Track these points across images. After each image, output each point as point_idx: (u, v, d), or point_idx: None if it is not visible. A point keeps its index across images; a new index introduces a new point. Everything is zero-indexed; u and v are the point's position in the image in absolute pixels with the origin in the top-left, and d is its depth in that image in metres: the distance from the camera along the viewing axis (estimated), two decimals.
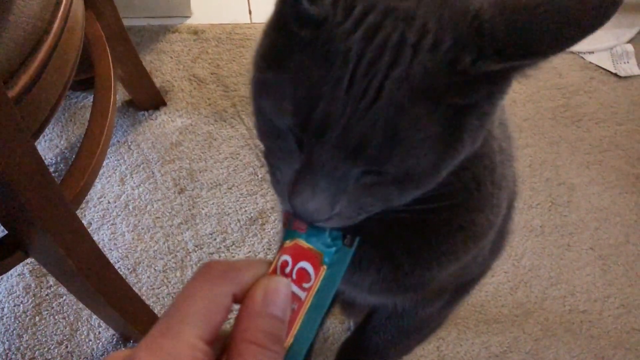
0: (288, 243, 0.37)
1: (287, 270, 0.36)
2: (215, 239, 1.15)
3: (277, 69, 0.36)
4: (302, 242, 0.37)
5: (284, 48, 0.36)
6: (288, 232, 0.38)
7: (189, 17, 1.53)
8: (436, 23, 0.34)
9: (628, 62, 1.56)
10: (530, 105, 1.45)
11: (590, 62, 1.56)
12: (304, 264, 0.36)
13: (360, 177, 0.37)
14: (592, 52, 1.58)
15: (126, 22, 1.18)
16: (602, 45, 1.59)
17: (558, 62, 1.55)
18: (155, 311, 1.04)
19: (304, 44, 0.34)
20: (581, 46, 1.58)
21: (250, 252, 1.14)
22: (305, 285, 0.35)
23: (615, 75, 1.54)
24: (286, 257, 0.36)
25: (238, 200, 1.21)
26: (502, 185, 0.53)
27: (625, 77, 1.54)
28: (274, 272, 0.36)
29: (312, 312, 0.34)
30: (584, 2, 0.31)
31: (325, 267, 0.36)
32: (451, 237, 0.51)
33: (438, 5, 0.34)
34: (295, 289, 0.35)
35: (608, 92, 1.51)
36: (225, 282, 0.33)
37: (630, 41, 1.61)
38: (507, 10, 0.33)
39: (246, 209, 1.20)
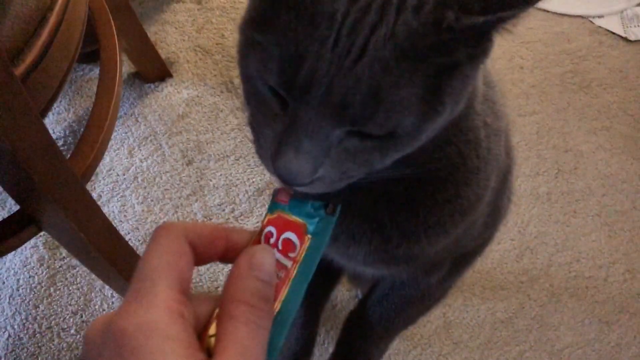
0: (271, 215, 0.38)
1: (272, 240, 0.37)
2: (223, 210, 1.17)
3: (263, 31, 0.37)
4: (286, 214, 0.38)
5: (269, 11, 0.37)
6: (271, 204, 0.39)
7: None
8: None
9: (639, 26, 1.54)
10: (538, 72, 1.44)
11: (599, 27, 1.53)
12: (288, 235, 0.36)
13: (343, 139, 0.38)
14: (602, 16, 1.55)
15: None
16: (612, 9, 1.56)
17: (566, 27, 1.52)
18: None
19: (290, 6, 0.35)
20: (590, 9, 1.56)
21: (258, 222, 1.15)
22: (291, 254, 0.36)
23: (625, 39, 1.52)
24: (270, 229, 0.37)
25: (245, 172, 1.22)
26: (489, 159, 0.53)
27: (635, 41, 1.52)
28: (258, 242, 0.37)
29: (298, 280, 0.35)
30: None
31: (309, 236, 0.36)
32: (438, 210, 0.52)
33: None
34: (281, 258, 0.36)
35: (617, 56, 1.49)
36: (180, 234, 0.34)
37: None
38: None
39: (253, 179, 1.21)
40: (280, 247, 0.36)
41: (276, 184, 0.44)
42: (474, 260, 0.71)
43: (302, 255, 0.36)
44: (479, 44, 0.38)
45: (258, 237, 0.37)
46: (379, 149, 0.39)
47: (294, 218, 0.37)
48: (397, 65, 0.35)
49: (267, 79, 0.37)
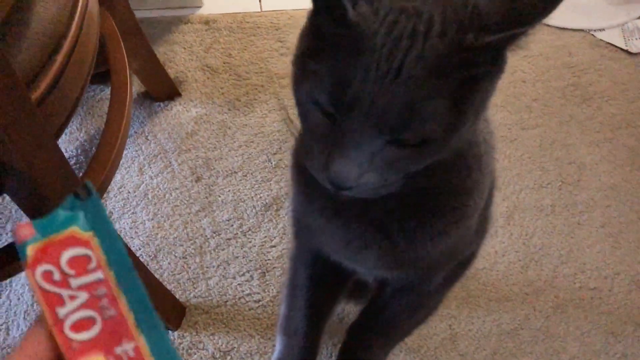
0: (29, 257, 0.31)
1: (57, 277, 0.30)
2: (232, 225, 1.19)
3: (316, 61, 0.44)
4: (44, 241, 0.31)
5: (320, 45, 0.44)
6: (20, 250, 0.32)
7: (200, 7, 1.56)
8: (441, 16, 0.42)
9: (639, 39, 1.55)
10: (540, 85, 1.46)
11: (600, 40, 1.55)
12: (68, 254, 0.31)
13: (384, 148, 0.44)
14: (603, 29, 1.57)
15: (138, 15, 1.21)
16: (612, 22, 1.58)
17: (568, 40, 1.54)
18: (177, 296, 1.08)
19: (338, 42, 0.43)
20: (591, 23, 1.58)
21: (266, 237, 1.18)
22: (91, 266, 0.31)
23: (627, 52, 1.53)
24: (44, 268, 0.31)
25: (253, 187, 1.24)
26: (485, 173, 0.61)
27: (637, 54, 1.53)
28: (54, 317, 0.30)
29: (123, 276, 0.31)
30: None
31: (90, 234, 0.31)
32: (443, 219, 0.59)
33: (440, 3, 0.43)
34: (84, 279, 0.30)
35: (619, 69, 1.50)
36: None
37: None
38: (504, 3, 0.42)
39: (261, 195, 1.23)
40: (72, 273, 0.30)
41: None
42: (464, 271, 0.78)
43: (104, 256, 0.31)
44: (495, 61, 0.44)
45: (50, 311, 0.30)
46: (413, 156, 0.46)
47: (56, 235, 0.31)
48: (427, 82, 0.41)
49: (320, 100, 0.44)
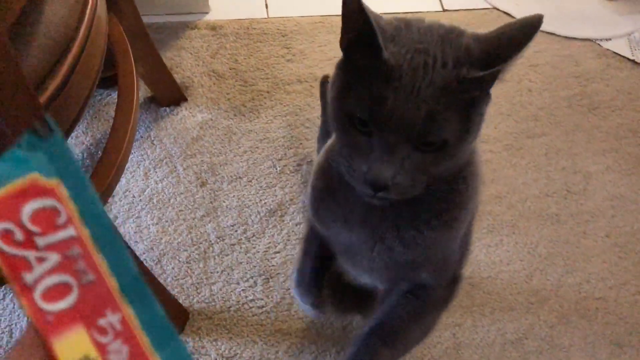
0: None
1: (18, 237, 0.25)
2: (236, 231, 1.19)
3: (355, 87, 0.57)
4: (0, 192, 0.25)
5: (357, 75, 0.57)
6: None
7: (207, 13, 1.56)
8: (441, 53, 0.55)
9: None
10: (546, 94, 1.46)
11: (607, 49, 1.55)
12: (29, 207, 0.25)
13: (411, 154, 0.56)
14: (609, 39, 1.57)
15: (146, 20, 1.21)
16: (619, 32, 1.58)
17: (574, 50, 1.54)
18: (180, 301, 1.08)
19: (373, 71, 0.55)
20: (598, 33, 1.58)
21: (270, 243, 1.17)
22: (59, 220, 0.25)
23: (633, 61, 1.53)
24: (1, 226, 0.25)
25: (258, 193, 1.24)
26: (477, 190, 0.72)
27: None
28: (20, 284, 0.25)
29: (100, 233, 0.25)
30: (520, 30, 0.56)
31: (56, 181, 0.25)
32: (439, 229, 0.68)
33: (441, 44, 0.56)
34: (52, 238, 0.25)
35: (625, 79, 1.50)
36: None
37: None
38: (483, 41, 0.56)
39: (265, 201, 1.23)
40: (38, 231, 0.25)
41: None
42: (453, 292, 0.86)
43: (74, 209, 0.25)
44: (484, 89, 0.57)
45: (14, 282, 0.25)
46: (434, 160, 0.57)
47: (12, 185, 0.25)
48: (439, 100, 0.54)
49: (361, 116, 0.56)
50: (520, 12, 1.61)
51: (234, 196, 1.24)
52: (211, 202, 1.22)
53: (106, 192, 0.89)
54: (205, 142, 1.31)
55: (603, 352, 1.09)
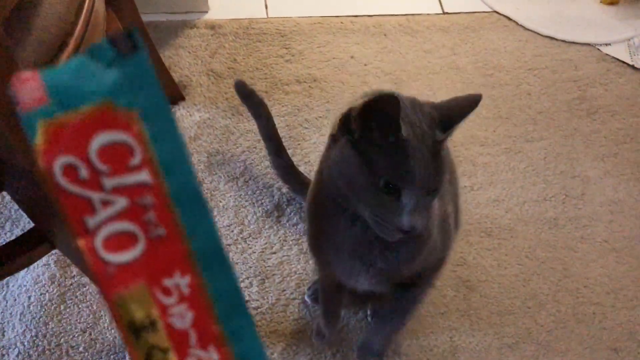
0: (41, 140, 0.21)
1: (83, 174, 0.21)
2: (232, 231, 1.18)
3: (375, 161, 0.68)
4: (61, 119, 0.20)
5: (374, 149, 0.68)
6: (25, 120, 0.20)
7: (207, 12, 1.56)
8: (419, 122, 0.69)
9: None
10: (545, 98, 1.45)
11: (606, 54, 1.55)
12: (99, 141, 0.20)
13: (427, 200, 0.70)
14: (609, 44, 1.57)
15: (145, 18, 1.20)
16: (619, 37, 1.58)
17: (573, 54, 1.54)
18: None
19: (391, 146, 0.67)
20: (597, 37, 1.58)
21: (266, 243, 1.17)
22: (133, 161, 0.21)
23: (632, 67, 1.53)
24: (64, 159, 0.21)
25: (255, 193, 1.23)
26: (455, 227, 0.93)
27: None
28: (82, 227, 0.21)
29: (180, 185, 0.22)
30: (467, 102, 0.72)
31: (134, 113, 0.20)
32: (411, 248, 0.80)
33: (423, 116, 0.70)
34: (124, 179, 0.21)
35: (624, 84, 1.50)
36: None
37: None
38: (439, 108, 0.72)
39: (263, 201, 1.22)
40: (106, 170, 0.21)
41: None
42: (439, 270, 0.95)
43: (152, 151, 0.21)
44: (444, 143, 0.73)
45: (74, 225, 0.21)
46: (431, 199, 0.72)
47: (82, 110, 0.20)
48: (437, 157, 0.69)
49: (392, 180, 0.67)
50: (521, 16, 1.61)
51: (230, 196, 1.23)
52: (208, 202, 1.21)
53: None
54: (202, 141, 1.30)
55: (600, 358, 1.09)
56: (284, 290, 1.12)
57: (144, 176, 0.21)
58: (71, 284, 1.10)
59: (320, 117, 1.36)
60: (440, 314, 1.12)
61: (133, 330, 0.21)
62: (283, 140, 1.31)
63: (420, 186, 0.68)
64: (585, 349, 1.10)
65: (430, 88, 1.44)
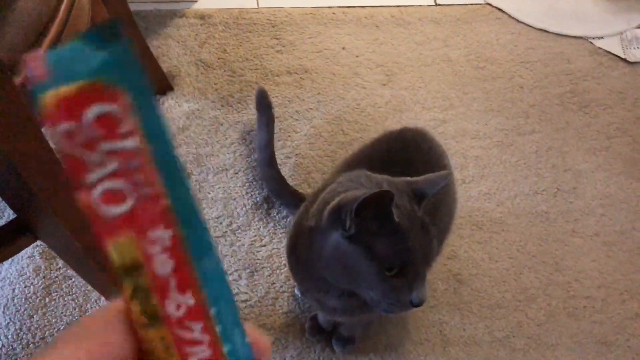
0: (47, 109, 0.23)
1: (81, 138, 0.24)
2: (221, 223, 1.17)
3: (374, 248, 0.71)
4: (62, 91, 0.23)
5: (371, 237, 0.71)
6: (33, 91, 0.24)
7: (196, 1, 1.53)
8: (401, 200, 0.72)
9: (638, 48, 1.55)
10: (537, 91, 1.44)
11: (599, 48, 1.54)
12: (93, 111, 0.23)
13: (426, 267, 0.75)
14: (602, 37, 1.56)
15: (133, 7, 1.18)
16: (611, 30, 1.57)
17: (566, 47, 1.53)
18: None
19: (385, 230, 0.70)
20: (590, 31, 1.57)
21: (255, 236, 1.15)
22: (122, 129, 0.24)
23: (625, 60, 1.53)
24: (66, 126, 0.23)
25: (244, 185, 1.22)
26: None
27: (635, 63, 1.52)
28: (81, 183, 0.24)
29: (161, 151, 0.24)
30: (439, 177, 0.77)
31: (117, 88, 0.23)
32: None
33: (396, 191, 0.72)
34: (115, 144, 0.24)
35: (617, 77, 1.49)
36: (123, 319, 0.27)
37: None
38: (414, 183, 0.75)
39: (252, 193, 1.21)
40: (100, 135, 0.24)
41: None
42: None
43: (137, 121, 0.24)
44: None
45: (75, 181, 0.24)
46: (430, 266, 0.80)
47: (79, 85, 0.23)
48: (428, 231, 0.74)
49: (394, 264, 0.70)
50: (513, 8, 1.59)
51: (219, 188, 1.21)
52: (196, 194, 1.20)
53: None
54: (191, 132, 1.28)
55: (590, 351, 1.09)
56: (274, 284, 1.11)
57: (132, 142, 0.24)
58: (56, 277, 1.08)
59: (311, 108, 1.35)
60: (431, 308, 1.11)
61: (123, 272, 0.25)
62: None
63: (422, 263, 0.72)
64: (575, 342, 1.09)
65: (422, 80, 1.43)
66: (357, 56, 1.46)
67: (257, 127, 1.24)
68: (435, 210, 0.87)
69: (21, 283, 1.07)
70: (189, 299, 0.26)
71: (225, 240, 1.15)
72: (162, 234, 0.25)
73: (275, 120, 1.27)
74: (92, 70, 0.23)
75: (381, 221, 0.70)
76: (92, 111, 0.23)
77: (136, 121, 0.24)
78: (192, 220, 0.26)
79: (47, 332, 1.02)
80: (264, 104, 1.23)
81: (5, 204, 1.07)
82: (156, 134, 0.24)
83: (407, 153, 0.92)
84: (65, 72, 0.23)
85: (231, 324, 0.27)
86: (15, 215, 0.78)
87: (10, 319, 1.04)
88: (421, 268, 0.72)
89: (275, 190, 1.18)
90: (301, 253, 0.82)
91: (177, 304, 0.26)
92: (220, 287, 0.27)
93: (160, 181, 0.24)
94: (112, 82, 0.23)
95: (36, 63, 0.23)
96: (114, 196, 0.24)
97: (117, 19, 0.25)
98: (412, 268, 0.71)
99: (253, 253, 1.14)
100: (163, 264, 0.25)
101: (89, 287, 1.06)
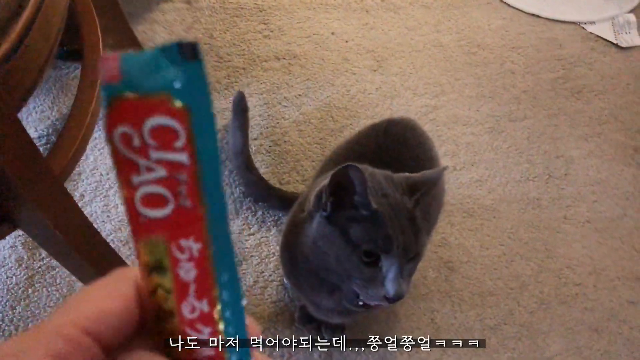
0: (111, 111, 0.25)
1: (136, 143, 0.25)
2: None
3: (353, 233, 0.71)
4: (128, 98, 0.24)
5: (348, 223, 0.71)
6: (103, 90, 0.25)
7: None
8: (393, 192, 0.73)
9: (630, 33, 1.53)
10: (529, 77, 1.43)
11: (591, 33, 1.53)
12: (153, 122, 0.24)
13: (407, 266, 0.72)
14: (593, 23, 1.55)
15: None
16: (603, 15, 1.56)
17: (558, 33, 1.52)
18: None
19: (366, 218, 0.70)
20: (582, 16, 1.55)
21: (244, 224, 1.13)
22: (177, 143, 0.25)
23: (616, 45, 1.51)
24: (124, 129, 0.25)
25: (232, 174, 1.19)
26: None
27: (626, 48, 1.51)
28: (127, 182, 0.26)
29: (209, 173, 0.26)
30: (435, 173, 0.77)
31: (185, 107, 0.24)
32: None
33: (388, 184, 0.74)
34: (167, 155, 0.25)
35: (609, 63, 1.48)
36: (133, 284, 0.29)
37: (632, 10, 1.58)
38: (412, 179, 0.76)
39: (239, 181, 1.18)
40: (154, 144, 0.25)
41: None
42: None
43: (193, 140, 0.25)
44: (419, 206, 0.76)
45: (121, 180, 0.26)
46: (414, 265, 0.74)
47: (146, 96, 0.24)
48: (415, 223, 0.73)
49: (372, 249, 0.70)
50: None
51: None
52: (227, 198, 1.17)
53: (67, 168, 0.83)
54: None
55: (581, 338, 1.08)
56: (262, 272, 1.09)
57: (183, 157, 0.25)
58: (39, 267, 1.05)
59: (300, 95, 1.32)
60: (422, 296, 1.10)
61: (149, 269, 0.27)
62: (261, 118, 1.27)
63: (400, 253, 0.70)
64: (567, 329, 1.08)
65: (412, 66, 1.40)
66: (346, 41, 1.43)
67: (231, 131, 1.21)
68: (427, 205, 0.87)
69: (3, 274, 1.04)
70: (204, 306, 0.27)
71: None
72: (192, 245, 0.27)
73: (264, 106, 1.25)
74: (164, 83, 0.24)
75: (360, 205, 0.70)
76: (153, 121, 0.24)
77: (192, 140, 0.25)
78: (222, 239, 0.27)
79: (30, 323, 1.00)
80: (240, 107, 1.21)
81: None
82: (208, 156, 0.26)
83: (395, 150, 0.91)
84: (137, 79, 0.24)
85: (237, 328, 0.28)
86: None
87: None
88: (400, 260, 0.71)
89: (260, 195, 1.16)
90: (294, 246, 0.81)
91: (193, 307, 0.27)
92: (234, 297, 0.28)
93: (201, 198, 0.26)
94: (180, 99, 0.24)
95: (111, 64, 0.24)
96: (155, 200, 0.26)
97: (197, 41, 0.25)
98: (391, 258, 0.70)
99: (241, 242, 1.12)
100: (187, 271, 0.27)
101: (73, 278, 1.03)
